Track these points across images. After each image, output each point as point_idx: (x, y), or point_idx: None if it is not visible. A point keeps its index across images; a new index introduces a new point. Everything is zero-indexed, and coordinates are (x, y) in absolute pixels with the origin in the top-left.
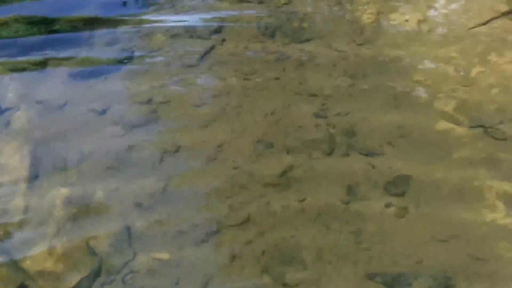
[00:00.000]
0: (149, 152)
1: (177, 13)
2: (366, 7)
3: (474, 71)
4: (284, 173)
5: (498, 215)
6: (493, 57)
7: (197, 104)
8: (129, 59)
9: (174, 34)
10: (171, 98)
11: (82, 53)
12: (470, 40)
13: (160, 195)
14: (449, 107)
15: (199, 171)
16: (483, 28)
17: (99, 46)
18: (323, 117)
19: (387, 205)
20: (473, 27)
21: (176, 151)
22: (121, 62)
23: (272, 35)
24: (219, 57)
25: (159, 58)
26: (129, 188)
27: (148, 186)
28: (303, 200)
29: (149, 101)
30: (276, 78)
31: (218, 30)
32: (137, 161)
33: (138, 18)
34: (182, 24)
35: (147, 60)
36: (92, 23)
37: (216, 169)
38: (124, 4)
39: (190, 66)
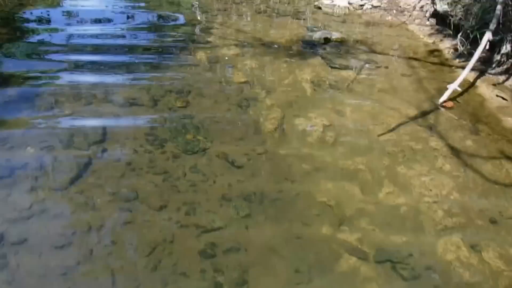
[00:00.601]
0: None
1: (55, 117)
2: (269, 111)
3: (381, 188)
4: None
5: None
6: (401, 170)
7: (58, 244)
8: None
9: (46, 145)
10: (28, 235)
11: None
12: (378, 150)
13: None
14: (353, 236)
15: None
16: (391, 135)
17: None
18: (210, 256)
19: None
20: (381, 134)
21: None
22: None
23: (162, 145)
24: (95, 177)
25: (20, 180)
26: None
27: None
28: None
29: None
30: (161, 206)
31: (99, 140)
32: None
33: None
34: (58, 131)
35: (4, 182)
36: None
37: None
38: None
39: (57, 189)
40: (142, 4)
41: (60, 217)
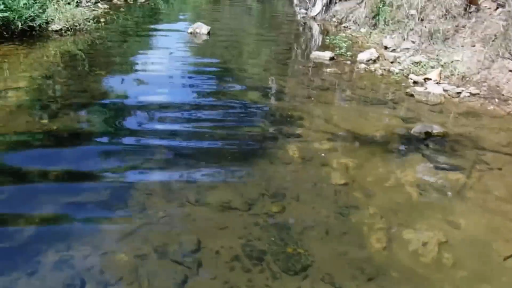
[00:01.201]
0: None
1: (146, 225)
2: (373, 221)
3: None
4: None
5: None
6: None
7: None
8: None
9: (140, 253)
10: None
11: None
12: (508, 277)
13: None
14: None
15: None
16: None
17: (43, 274)
18: None
19: None
20: (509, 257)
21: None
22: None
23: (259, 260)
24: None
25: None
26: None
27: None
28: None
29: None
30: None
31: (194, 249)
32: None
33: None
34: (151, 237)
35: None
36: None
37: None
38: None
39: None
40: (214, 81)
41: None
